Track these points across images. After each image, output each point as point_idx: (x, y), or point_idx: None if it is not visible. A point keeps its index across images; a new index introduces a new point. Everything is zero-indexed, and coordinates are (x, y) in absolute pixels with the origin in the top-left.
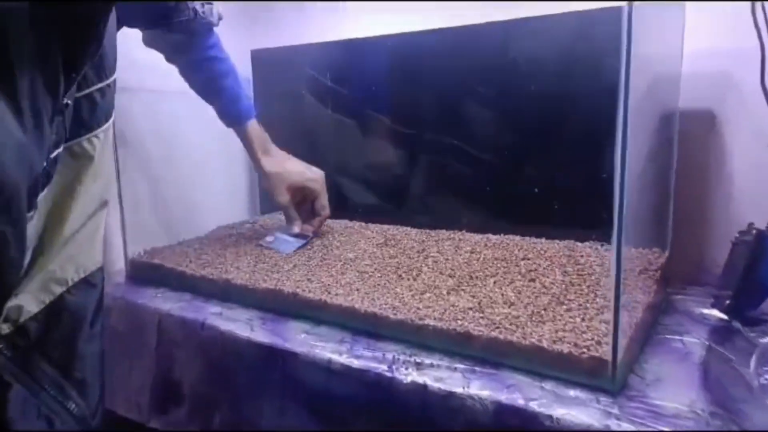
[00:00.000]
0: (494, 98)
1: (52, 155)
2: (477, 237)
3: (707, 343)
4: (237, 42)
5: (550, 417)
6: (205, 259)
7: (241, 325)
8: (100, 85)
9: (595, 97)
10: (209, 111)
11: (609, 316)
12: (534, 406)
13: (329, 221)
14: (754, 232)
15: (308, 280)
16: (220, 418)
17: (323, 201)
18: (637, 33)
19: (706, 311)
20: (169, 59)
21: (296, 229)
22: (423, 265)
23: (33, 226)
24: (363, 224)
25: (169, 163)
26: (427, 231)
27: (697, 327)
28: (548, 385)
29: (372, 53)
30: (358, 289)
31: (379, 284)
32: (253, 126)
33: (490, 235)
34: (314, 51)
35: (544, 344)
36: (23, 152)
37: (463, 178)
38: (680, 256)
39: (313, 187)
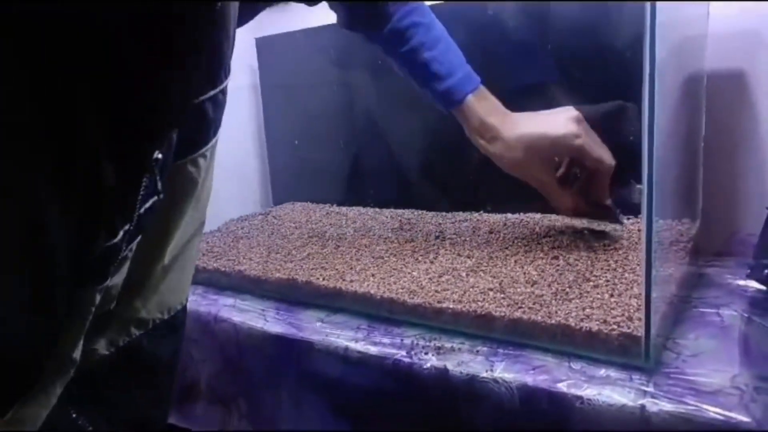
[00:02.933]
0: (508, 70)
1: (143, 209)
2: (496, 217)
3: (746, 315)
4: (239, 31)
5: (581, 398)
6: (216, 252)
7: (254, 316)
8: (212, 93)
9: (618, 63)
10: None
11: (639, 290)
12: (563, 387)
13: (342, 209)
14: None
15: (322, 268)
16: (238, 411)
17: (593, 153)
18: None
19: (742, 282)
20: (368, 39)
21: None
22: (440, 247)
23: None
24: (377, 210)
25: None
26: (443, 213)
27: (735, 299)
28: (577, 365)
29: None
30: (373, 275)
31: (395, 269)
32: (468, 106)
33: (509, 215)
34: (322, 34)
35: (571, 322)
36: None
37: (481, 156)
38: (712, 226)
39: (571, 145)
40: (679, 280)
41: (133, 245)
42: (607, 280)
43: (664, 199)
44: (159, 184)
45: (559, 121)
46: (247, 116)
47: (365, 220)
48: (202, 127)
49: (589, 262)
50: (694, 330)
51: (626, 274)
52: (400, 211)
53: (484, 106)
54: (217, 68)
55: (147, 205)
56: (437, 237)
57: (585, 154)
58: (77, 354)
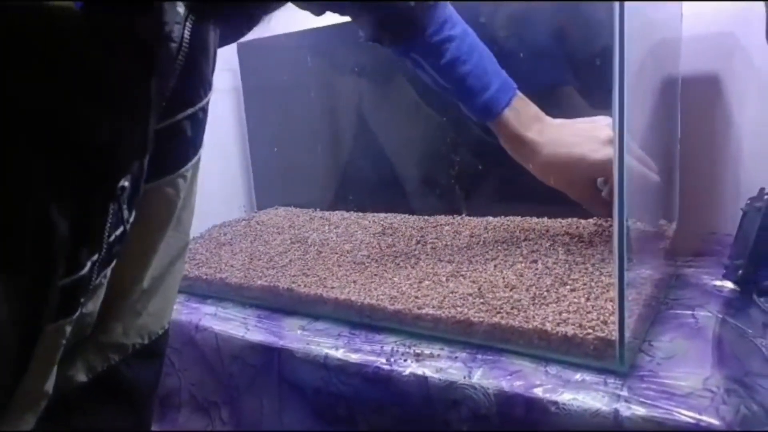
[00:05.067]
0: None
1: (112, 237)
2: (477, 220)
3: (720, 316)
4: None
5: (556, 403)
6: (199, 259)
7: (235, 324)
8: (191, 111)
9: (594, 66)
10: None
11: (615, 294)
12: (538, 392)
13: (325, 213)
14: (766, 197)
15: (304, 274)
16: (220, 420)
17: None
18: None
19: (718, 283)
20: (398, 54)
21: None
22: (421, 252)
23: (97, 296)
24: (360, 214)
25: None
26: (426, 217)
27: (710, 299)
28: (553, 370)
29: None
30: (354, 281)
31: (376, 275)
32: (504, 120)
33: (490, 218)
34: (303, 38)
35: (548, 327)
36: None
37: (462, 160)
38: (690, 226)
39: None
40: (656, 282)
41: (107, 271)
42: (584, 284)
43: (641, 201)
44: (125, 213)
45: (598, 141)
46: (229, 120)
47: (348, 224)
48: (179, 146)
49: (566, 265)
50: (669, 332)
51: (603, 278)
52: (383, 215)
53: (520, 118)
54: (196, 87)
55: (117, 232)
56: (418, 242)
57: None
58: (49, 386)
